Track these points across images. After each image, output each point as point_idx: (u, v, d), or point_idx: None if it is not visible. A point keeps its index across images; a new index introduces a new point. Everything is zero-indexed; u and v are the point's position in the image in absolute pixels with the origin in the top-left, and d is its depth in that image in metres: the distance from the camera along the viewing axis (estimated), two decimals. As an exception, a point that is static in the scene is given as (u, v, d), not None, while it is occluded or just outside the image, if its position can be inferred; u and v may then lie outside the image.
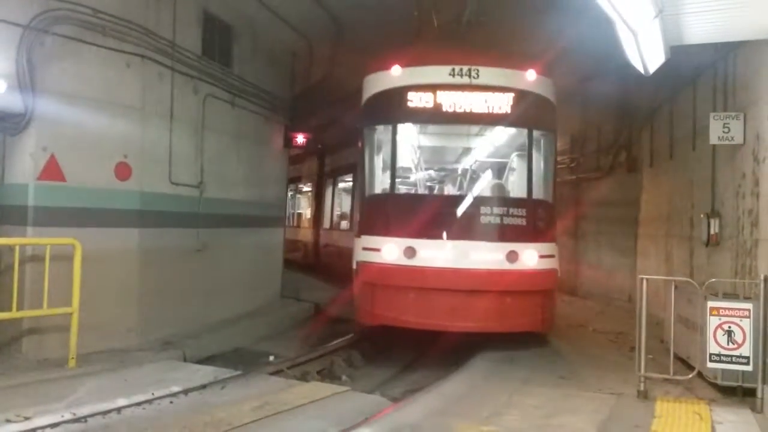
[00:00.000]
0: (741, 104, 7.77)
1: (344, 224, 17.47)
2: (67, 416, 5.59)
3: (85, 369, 7.19)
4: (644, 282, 6.90)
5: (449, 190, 12.31)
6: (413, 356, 10.58)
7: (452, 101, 8.93)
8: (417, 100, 8.98)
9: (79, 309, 7.32)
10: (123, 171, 8.60)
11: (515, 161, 10.56)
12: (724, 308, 6.52)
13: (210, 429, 5.46)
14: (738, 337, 6.45)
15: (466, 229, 8.82)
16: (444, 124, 10.09)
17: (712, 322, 6.50)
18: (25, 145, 7.58)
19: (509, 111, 8.99)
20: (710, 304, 6.57)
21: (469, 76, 8.92)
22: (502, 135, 10.59)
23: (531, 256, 8.66)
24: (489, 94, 8.95)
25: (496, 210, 8.96)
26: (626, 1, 4.74)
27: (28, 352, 7.56)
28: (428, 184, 13.33)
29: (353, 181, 15.44)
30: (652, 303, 8.22)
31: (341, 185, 18.58)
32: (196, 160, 10.22)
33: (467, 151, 12.30)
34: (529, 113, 9.10)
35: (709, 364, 6.62)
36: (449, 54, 9.23)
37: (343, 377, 8.81)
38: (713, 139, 7.77)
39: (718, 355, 6.52)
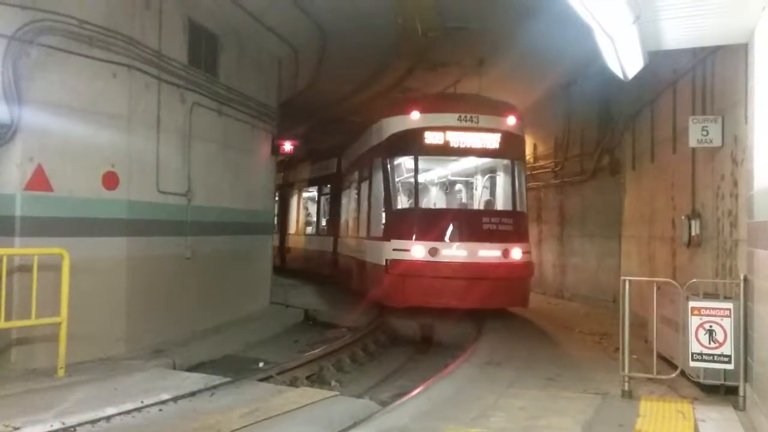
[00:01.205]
0: (719, 107, 7.92)
1: (309, 229, 22.41)
2: (57, 425, 5.61)
3: (74, 378, 7.20)
4: (626, 283, 7.02)
5: (458, 205, 15.21)
6: (402, 361, 10.68)
7: (459, 139, 12.15)
8: (433, 138, 12.09)
9: (67, 318, 7.32)
10: (110, 180, 8.62)
11: (502, 182, 13.26)
12: (705, 308, 6.64)
13: (200, 435, 5.51)
14: (719, 336, 6.57)
15: (474, 233, 11.83)
16: (453, 156, 13.29)
17: (694, 321, 6.62)
18: (11, 155, 7.58)
19: (498, 146, 12.37)
20: (691, 304, 6.69)
21: (472, 121, 12.11)
22: (493, 163, 13.51)
23: (517, 253, 11.86)
24: (485, 134, 12.28)
25: (494, 219, 12.24)
26: (604, 7, 4.82)
27: (17, 362, 7.56)
28: (441, 200, 16.46)
29: (319, 192, 20.86)
30: (637, 304, 8.37)
31: (305, 195, 22.70)
32: (183, 169, 10.26)
33: (470, 174, 15.18)
34: (511, 148, 12.65)
35: (692, 363, 6.74)
36: (456, 104, 12.62)
37: (333, 382, 8.87)
38: (692, 142, 7.92)
39: (700, 354, 6.64)
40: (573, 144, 15.81)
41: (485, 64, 15.54)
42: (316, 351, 10.07)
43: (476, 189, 14.79)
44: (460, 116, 12.11)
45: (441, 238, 11.65)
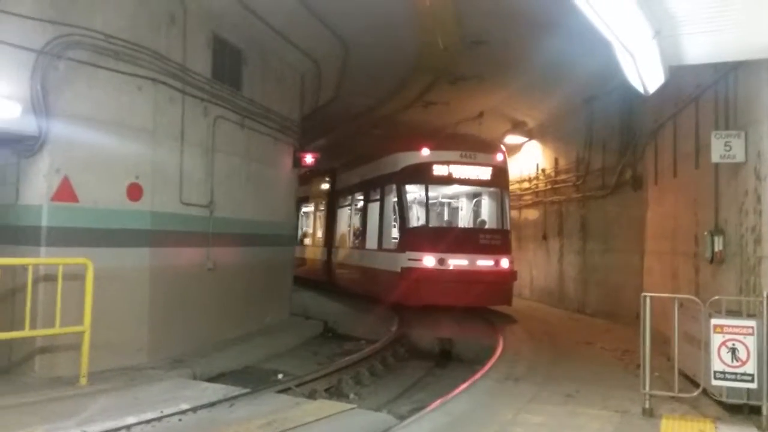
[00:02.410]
0: (742, 123, 7.83)
1: (307, 240, 24.53)
2: (78, 434, 5.70)
3: (96, 387, 7.30)
4: (647, 300, 6.95)
5: (460, 224, 17.96)
6: (421, 375, 10.65)
7: (460, 171, 15.20)
8: (440, 170, 15.01)
9: (90, 328, 7.43)
10: (134, 192, 8.76)
11: (493, 206, 16.40)
12: (728, 326, 6.53)
13: (218, 446, 5.55)
14: (742, 354, 6.45)
15: (473, 247, 14.75)
16: (455, 184, 16.17)
17: (716, 339, 6.52)
18: (38, 167, 7.77)
19: (490, 177, 15.48)
20: (714, 321, 6.59)
21: (470, 157, 15.10)
22: (487, 191, 16.61)
23: (505, 263, 14.97)
24: (481, 168, 15.32)
25: (487, 236, 15.35)
26: (623, 23, 4.84)
27: (41, 370, 7.69)
28: (446, 220, 19.43)
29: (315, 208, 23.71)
30: (660, 321, 8.25)
31: (305, 209, 24.59)
32: (206, 181, 10.39)
33: (469, 199, 18.12)
34: (499, 178, 15.78)
35: (714, 382, 6.63)
36: (458, 142, 15.48)
37: (351, 395, 8.86)
38: (715, 158, 7.83)
39: (723, 372, 6.53)
40: (595, 158, 15.71)
41: (507, 76, 15.62)
42: (334, 363, 10.07)
43: (473, 211, 17.86)
44: (461, 153, 15.08)
45: (447, 250, 14.33)
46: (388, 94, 18.36)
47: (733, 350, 6.47)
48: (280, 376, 9.27)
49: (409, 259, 14.40)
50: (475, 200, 17.51)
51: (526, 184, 20.11)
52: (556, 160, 18.10)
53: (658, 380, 7.40)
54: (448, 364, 11.59)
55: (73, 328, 7.39)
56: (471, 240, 15.14)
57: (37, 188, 7.79)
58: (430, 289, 14.01)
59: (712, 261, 8.72)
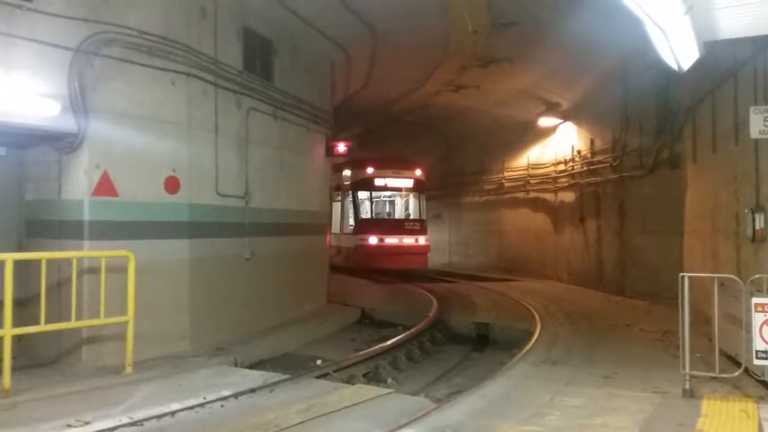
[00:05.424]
0: (782, 97, 7.64)
1: None
2: (125, 420, 5.87)
3: (141, 375, 7.50)
4: (686, 280, 6.85)
5: (393, 215, 25.75)
6: (458, 360, 10.69)
7: (394, 182, 23.64)
8: (379, 181, 23.34)
9: (133, 318, 7.63)
10: (172, 184, 8.94)
11: (414, 204, 24.44)
12: (770, 304, 6.41)
13: (259, 430, 5.66)
14: (785, 333, 6.33)
15: (401, 230, 22.98)
16: (389, 191, 24.54)
17: (758, 318, 6.40)
18: (79, 162, 7.97)
19: (412, 185, 23.85)
20: (755, 300, 6.46)
21: (399, 173, 23.52)
22: (411, 193, 24.38)
23: (422, 240, 23.09)
24: (406, 179, 23.69)
25: (410, 223, 23.52)
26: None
27: (88, 359, 7.93)
28: (383, 213, 25.98)
29: None
30: (701, 301, 8.14)
31: None
32: (241, 172, 10.53)
33: (399, 199, 25.50)
34: (418, 185, 23.99)
35: (756, 361, 6.51)
36: (390, 163, 23.75)
37: (389, 380, 8.94)
38: (754, 133, 7.64)
39: (765, 351, 6.40)
40: (631, 137, 15.44)
41: (539, 57, 15.42)
42: (372, 349, 10.17)
43: (401, 207, 25.55)
44: (392, 171, 23.48)
45: (384, 233, 22.42)
46: (418, 79, 18.31)
47: (776, 329, 6.35)
48: (318, 361, 9.39)
49: (360, 239, 22.21)
50: (402, 200, 25.37)
51: (561, 167, 19.87)
52: (592, 141, 17.84)
53: (698, 361, 7.31)
54: (485, 348, 11.61)
55: (117, 318, 7.60)
56: (399, 226, 23.49)
57: (78, 184, 8.00)
58: (374, 258, 21.85)
59: (753, 239, 8.55)
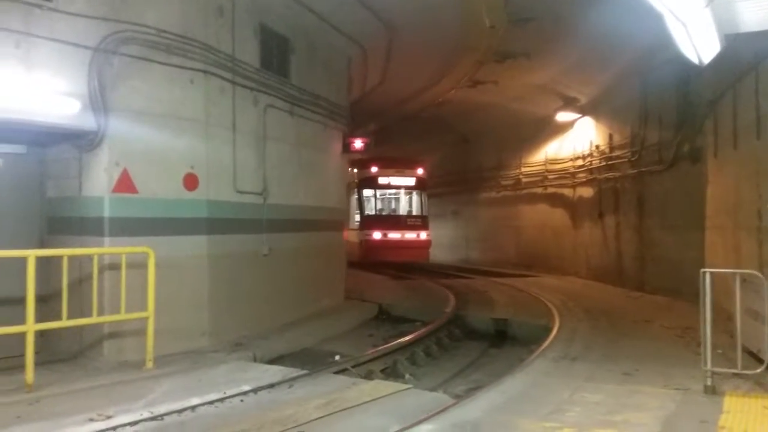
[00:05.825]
0: (806, 89, 7.51)
1: None
2: (146, 415, 5.93)
3: (162, 370, 7.57)
4: (707, 275, 6.78)
5: (397, 212, 26.69)
6: (476, 355, 10.67)
7: (397, 180, 25.31)
8: (383, 180, 24.95)
9: (154, 313, 7.70)
10: (191, 181, 9.00)
11: (416, 200, 25.89)
12: (793, 300, 6.33)
13: (278, 425, 5.69)
14: (809, 329, 6.26)
15: (403, 226, 24.63)
16: (393, 189, 26.02)
17: (781, 314, 6.34)
18: (99, 160, 8.04)
19: (414, 183, 25.54)
20: (777, 296, 6.39)
21: (402, 172, 25.10)
22: (413, 191, 25.95)
23: (423, 235, 24.60)
24: (408, 178, 25.34)
25: (412, 219, 25.16)
26: (674, -8, 4.69)
27: (109, 354, 8.02)
28: (387, 210, 26.99)
29: None
30: (722, 297, 8.04)
31: None
32: (258, 169, 10.58)
33: (402, 196, 26.76)
34: (420, 184, 25.60)
35: (779, 358, 6.45)
36: (394, 162, 25.13)
37: (407, 375, 8.96)
38: (777, 127, 7.54)
39: (788, 348, 6.35)
40: (650, 132, 15.29)
41: (556, 52, 15.30)
42: (389, 344, 10.18)
43: (403, 204, 26.79)
44: (395, 170, 24.91)
45: (388, 229, 24.13)
46: (434, 75, 18.26)
47: (799, 325, 6.27)
48: (337, 357, 9.42)
49: (366, 234, 23.86)
50: (405, 197, 26.68)
51: (579, 162, 19.73)
52: (611, 136, 17.69)
53: (720, 357, 7.24)
54: (503, 344, 11.58)
55: (138, 314, 7.67)
56: (402, 221, 24.97)
57: (98, 181, 8.07)
58: (378, 252, 23.48)
59: (775, 234, 8.42)
